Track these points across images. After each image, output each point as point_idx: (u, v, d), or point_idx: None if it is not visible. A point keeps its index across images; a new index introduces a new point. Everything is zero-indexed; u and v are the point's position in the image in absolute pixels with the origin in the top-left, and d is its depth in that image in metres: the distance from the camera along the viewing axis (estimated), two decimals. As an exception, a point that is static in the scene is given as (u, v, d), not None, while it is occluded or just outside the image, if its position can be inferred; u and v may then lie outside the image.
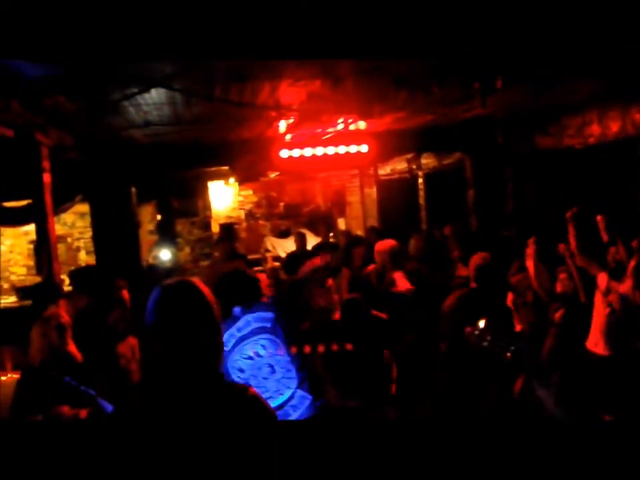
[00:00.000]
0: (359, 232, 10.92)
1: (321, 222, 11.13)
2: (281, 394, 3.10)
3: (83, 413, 3.50)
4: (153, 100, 5.02)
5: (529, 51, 4.55)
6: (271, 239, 11.90)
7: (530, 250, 5.10)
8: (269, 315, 3.28)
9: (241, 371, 3.14)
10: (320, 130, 7.13)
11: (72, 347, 3.79)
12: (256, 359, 3.16)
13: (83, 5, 3.41)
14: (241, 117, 6.12)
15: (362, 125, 7.33)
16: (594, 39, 4.36)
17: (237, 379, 3.09)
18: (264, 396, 3.00)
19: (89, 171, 7.57)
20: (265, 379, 3.10)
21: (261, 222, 12.98)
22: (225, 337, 3.16)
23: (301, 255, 7.64)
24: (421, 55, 4.38)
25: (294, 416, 3.08)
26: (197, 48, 3.94)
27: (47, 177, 5.33)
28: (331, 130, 7.06)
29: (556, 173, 8.20)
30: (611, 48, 4.56)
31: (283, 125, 6.85)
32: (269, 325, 3.21)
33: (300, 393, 3.11)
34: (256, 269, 9.84)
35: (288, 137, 7.41)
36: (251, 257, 9.93)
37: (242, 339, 3.21)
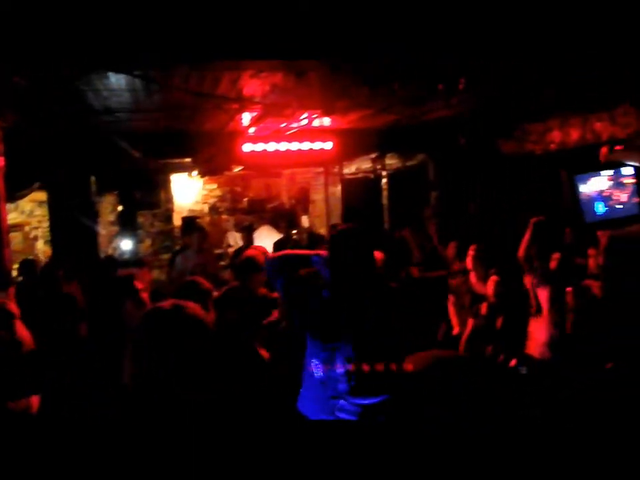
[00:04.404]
0: (322, 230, 10.93)
1: (284, 219, 11.09)
2: None
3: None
4: (112, 86, 4.94)
5: (493, 52, 4.62)
6: (234, 233, 11.80)
7: (471, 253, 5.40)
8: None
9: None
10: (284, 125, 7.08)
11: (20, 335, 3.63)
12: None
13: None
14: (202, 108, 6.03)
15: (326, 121, 7.31)
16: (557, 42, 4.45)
17: None
18: None
19: (47, 157, 7.41)
20: None
21: (224, 216, 12.86)
22: None
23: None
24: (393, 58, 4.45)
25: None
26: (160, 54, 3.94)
27: (0, 160, 5.18)
28: (294, 125, 7.01)
29: (518, 176, 8.33)
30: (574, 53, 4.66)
31: (246, 118, 6.79)
32: None
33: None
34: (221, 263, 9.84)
35: (251, 130, 7.35)
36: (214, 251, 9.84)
37: None
